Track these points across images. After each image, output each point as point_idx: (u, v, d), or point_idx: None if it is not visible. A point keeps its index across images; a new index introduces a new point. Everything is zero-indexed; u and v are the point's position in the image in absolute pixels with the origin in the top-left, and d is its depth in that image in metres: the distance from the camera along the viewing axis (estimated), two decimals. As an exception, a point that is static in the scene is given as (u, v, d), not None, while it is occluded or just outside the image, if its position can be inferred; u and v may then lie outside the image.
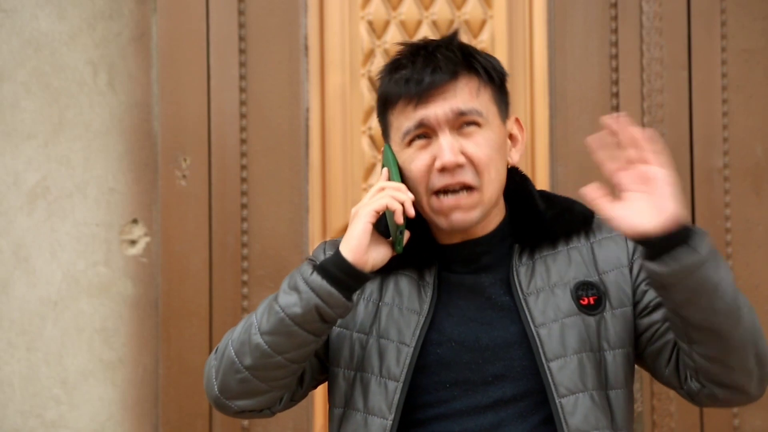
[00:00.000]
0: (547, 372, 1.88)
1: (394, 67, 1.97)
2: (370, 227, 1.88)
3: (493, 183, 1.93)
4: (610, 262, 1.97)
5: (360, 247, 1.86)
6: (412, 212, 1.88)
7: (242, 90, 3.11)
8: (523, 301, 1.92)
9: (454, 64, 1.92)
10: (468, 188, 1.91)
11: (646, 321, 1.96)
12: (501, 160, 1.95)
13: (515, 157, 2.01)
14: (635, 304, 1.96)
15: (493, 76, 1.96)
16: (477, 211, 1.92)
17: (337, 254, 1.87)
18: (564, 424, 1.87)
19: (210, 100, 3.10)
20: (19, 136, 3.08)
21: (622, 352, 1.94)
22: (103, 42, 3.11)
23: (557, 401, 1.88)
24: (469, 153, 1.91)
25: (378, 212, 1.88)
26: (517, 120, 2.02)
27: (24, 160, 3.08)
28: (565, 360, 1.89)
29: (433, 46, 1.95)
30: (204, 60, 3.10)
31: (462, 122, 1.92)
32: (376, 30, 3.16)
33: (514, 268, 1.95)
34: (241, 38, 3.12)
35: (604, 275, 1.96)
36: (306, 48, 3.14)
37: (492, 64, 1.97)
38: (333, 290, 1.84)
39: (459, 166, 1.90)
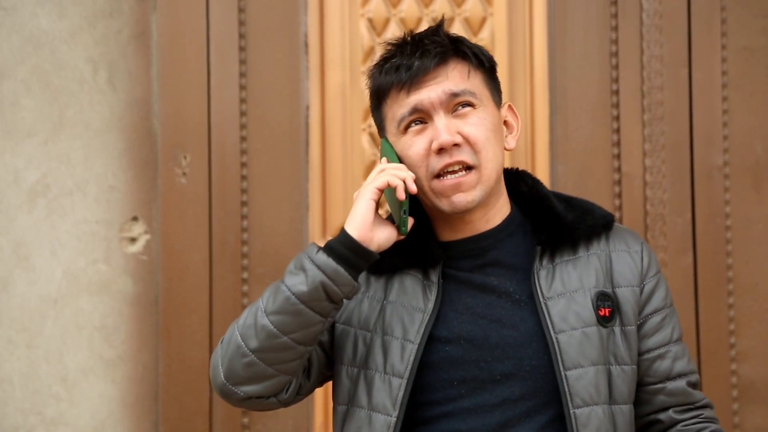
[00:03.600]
0: (564, 380, 1.88)
1: (383, 60, 1.99)
2: (373, 204, 1.89)
3: (492, 162, 1.93)
4: (625, 278, 1.97)
5: (364, 224, 1.87)
6: (413, 188, 1.89)
7: (242, 88, 3.11)
8: (543, 305, 1.92)
9: (442, 48, 1.94)
10: (467, 168, 1.92)
11: (646, 364, 1.98)
12: (498, 142, 1.96)
13: (512, 143, 2.02)
14: (638, 327, 1.97)
15: (483, 61, 1.98)
16: (478, 191, 1.93)
17: (343, 232, 1.88)
18: None
19: (210, 97, 3.10)
20: (19, 134, 3.08)
21: (627, 369, 1.94)
22: (103, 40, 3.11)
23: (572, 411, 1.87)
24: (465, 132, 1.92)
25: (380, 190, 1.90)
26: (510, 107, 2.03)
27: (24, 158, 3.08)
28: (583, 370, 1.89)
29: (419, 36, 1.98)
30: (204, 58, 3.10)
31: (456, 104, 1.93)
32: (377, 28, 3.16)
33: (535, 271, 1.94)
34: (241, 36, 3.12)
35: (618, 289, 1.96)
36: (306, 46, 3.14)
37: (480, 50, 1.99)
38: (339, 267, 1.84)
39: (456, 146, 1.91)
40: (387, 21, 3.16)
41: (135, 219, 3.10)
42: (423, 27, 3.13)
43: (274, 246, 3.10)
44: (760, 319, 3.16)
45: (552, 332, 1.89)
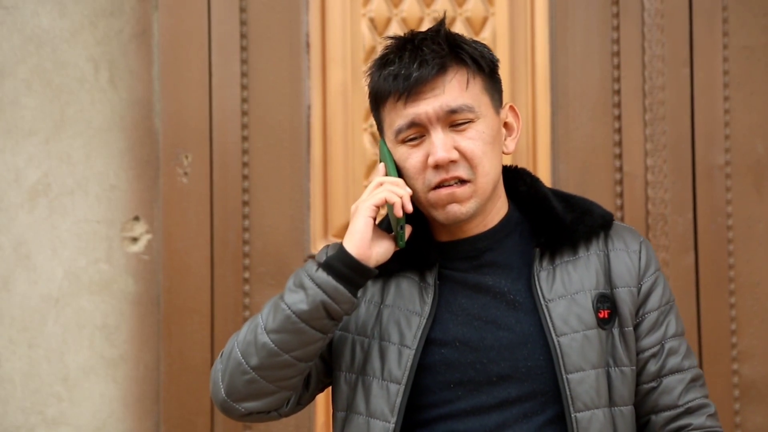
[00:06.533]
0: (566, 384, 1.88)
1: (382, 62, 1.96)
2: (371, 222, 1.88)
3: (488, 175, 1.92)
4: (623, 279, 1.96)
5: (363, 242, 1.87)
6: (409, 207, 1.89)
7: (243, 87, 3.11)
8: (545, 307, 1.91)
9: (441, 57, 1.91)
10: (462, 181, 1.91)
11: (641, 363, 1.96)
12: (495, 152, 1.94)
13: (510, 147, 2.00)
14: (635, 326, 1.96)
15: (482, 65, 1.94)
16: (472, 203, 1.92)
17: (341, 250, 1.87)
18: None
19: (211, 97, 3.10)
20: (20, 133, 3.08)
21: (626, 371, 1.93)
22: (104, 39, 3.11)
23: (573, 415, 1.87)
24: (462, 147, 1.90)
25: (377, 207, 1.89)
26: (512, 107, 2.01)
27: (25, 157, 3.08)
28: (584, 374, 1.88)
29: (419, 39, 1.94)
30: (205, 57, 3.10)
31: (453, 119, 1.91)
32: (378, 27, 3.16)
33: (535, 273, 1.94)
34: (243, 35, 3.12)
35: (615, 290, 1.95)
36: (307, 45, 3.14)
37: (480, 53, 1.95)
38: (339, 285, 1.84)
39: (452, 162, 1.90)
40: (388, 20, 3.16)
41: (136, 218, 3.10)
42: (424, 27, 3.13)
43: (276, 245, 3.10)
44: (761, 319, 3.16)
45: (553, 335, 1.89)
